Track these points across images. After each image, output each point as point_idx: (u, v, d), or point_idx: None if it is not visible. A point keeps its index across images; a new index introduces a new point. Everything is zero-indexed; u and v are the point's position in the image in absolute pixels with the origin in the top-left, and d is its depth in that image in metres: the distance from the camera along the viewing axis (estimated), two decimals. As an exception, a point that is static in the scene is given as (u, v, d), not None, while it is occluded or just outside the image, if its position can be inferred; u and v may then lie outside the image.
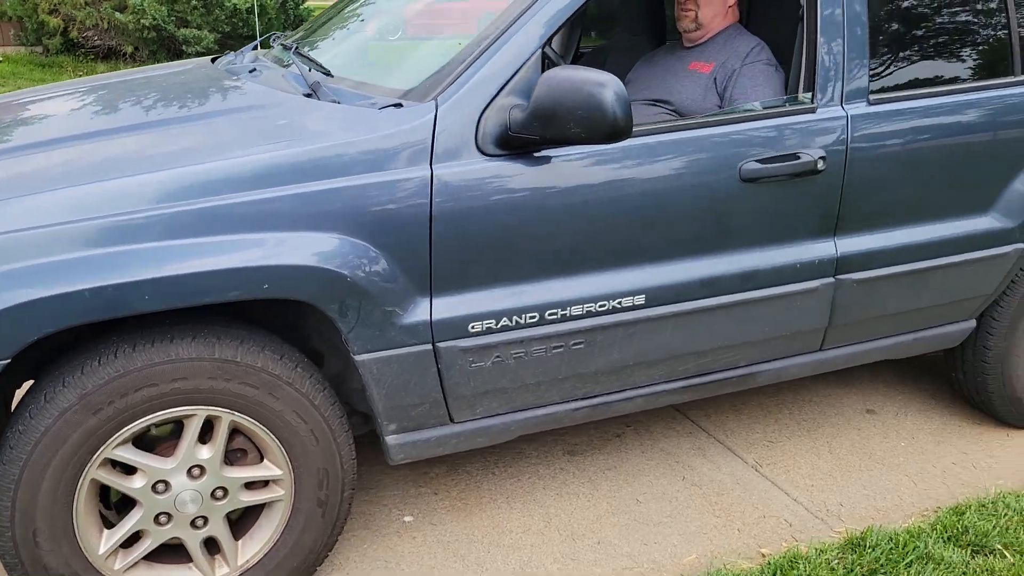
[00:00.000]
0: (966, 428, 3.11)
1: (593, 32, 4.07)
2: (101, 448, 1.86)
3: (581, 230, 2.13)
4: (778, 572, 2.31)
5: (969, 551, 2.40)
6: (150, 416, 1.88)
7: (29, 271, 1.70)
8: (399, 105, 2.04)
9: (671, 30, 3.22)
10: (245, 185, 1.85)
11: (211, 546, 2.08)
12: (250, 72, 2.48)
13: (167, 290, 1.76)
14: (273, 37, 2.94)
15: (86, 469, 1.86)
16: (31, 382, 2.03)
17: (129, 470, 1.96)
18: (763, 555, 2.45)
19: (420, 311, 2.03)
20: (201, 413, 1.93)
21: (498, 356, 2.14)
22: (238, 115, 2.15)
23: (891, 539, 2.42)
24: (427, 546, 2.46)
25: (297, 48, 2.55)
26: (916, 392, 3.34)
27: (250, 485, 2.07)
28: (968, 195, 2.59)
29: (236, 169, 1.86)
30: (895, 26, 2.49)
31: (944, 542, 2.43)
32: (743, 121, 2.30)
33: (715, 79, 2.62)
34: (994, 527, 2.47)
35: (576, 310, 2.18)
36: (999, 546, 2.40)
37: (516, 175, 2.04)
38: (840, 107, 2.38)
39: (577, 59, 3.76)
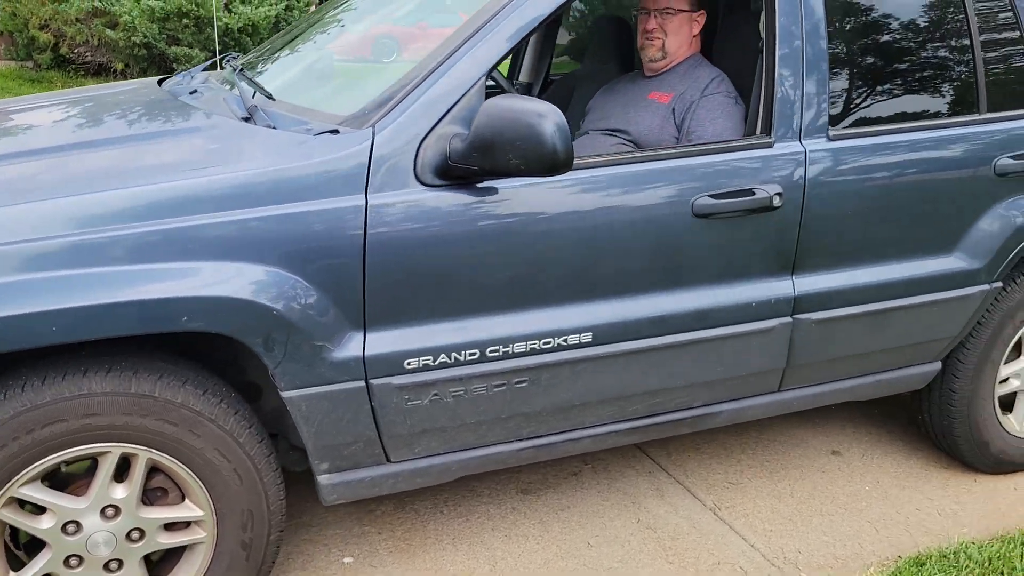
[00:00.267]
0: (933, 472, 3.02)
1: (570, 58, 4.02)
2: (5, 486, 1.76)
3: (524, 265, 2.06)
4: (727, 624, 2.22)
5: (927, 605, 2.31)
6: (60, 453, 1.79)
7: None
8: (336, 131, 1.96)
9: (639, 59, 3.17)
10: (164, 212, 1.77)
11: (128, 590, 1.98)
12: (191, 94, 2.41)
13: (74, 322, 1.67)
14: (228, 58, 2.87)
15: (-10, 508, 1.77)
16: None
17: (40, 509, 1.86)
18: (714, 605, 2.36)
19: (352, 346, 1.95)
20: (116, 450, 1.84)
21: (436, 394, 2.06)
22: (166, 138, 2.08)
23: (847, 591, 2.33)
24: (364, 590, 2.36)
25: (243, 69, 2.48)
26: (884, 433, 3.25)
27: (170, 526, 1.97)
28: (932, 234, 2.52)
29: (155, 195, 1.78)
30: (857, 61, 2.44)
31: (902, 595, 2.34)
32: (697, 155, 2.23)
33: (673, 109, 2.56)
34: (954, 579, 2.39)
35: (519, 347, 2.10)
36: (958, 600, 2.32)
37: (456, 206, 1.97)
38: (798, 142, 2.31)
39: (547, 86, 3.71)
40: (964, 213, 2.54)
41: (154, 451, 1.86)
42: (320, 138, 1.94)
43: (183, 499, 1.96)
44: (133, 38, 11.67)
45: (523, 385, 2.14)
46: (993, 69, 2.56)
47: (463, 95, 1.98)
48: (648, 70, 2.71)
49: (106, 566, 1.91)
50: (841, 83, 2.40)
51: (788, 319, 2.39)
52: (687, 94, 2.56)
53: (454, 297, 2.01)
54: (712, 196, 2.20)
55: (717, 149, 2.27)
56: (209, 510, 1.95)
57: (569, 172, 2.07)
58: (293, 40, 2.68)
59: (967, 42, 2.53)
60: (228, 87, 2.42)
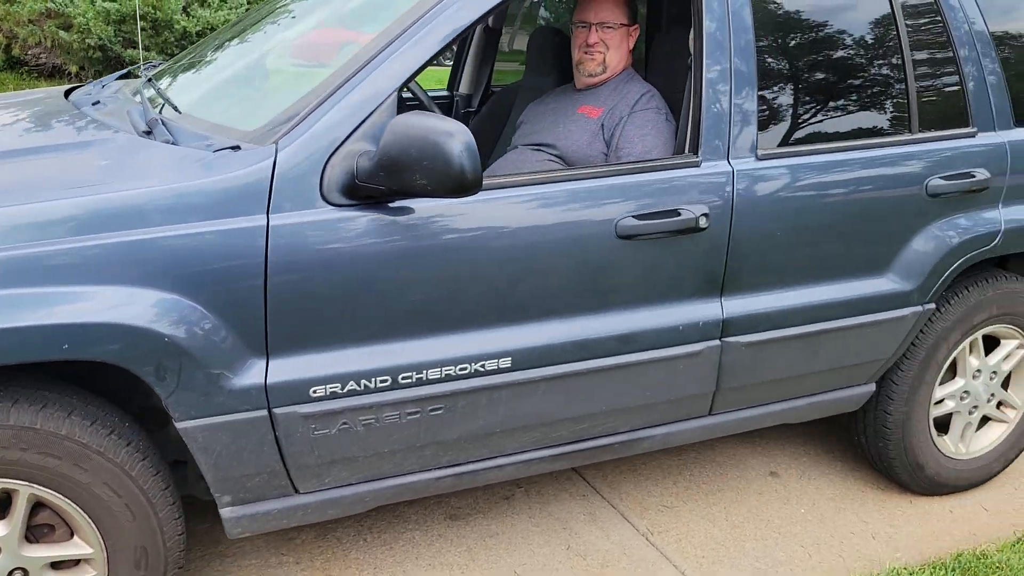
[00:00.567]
0: (869, 494, 2.98)
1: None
2: None
3: (439, 288, 1.97)
4: (650, 659, 2.15)
5: (855, 635, 2.26)
6: (-68, 490, 1.67)
7: None
8: (237, 148, 1.87)
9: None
10: (45, 232, 1.66)
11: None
12: (93, 105, 2.30)
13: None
14: (147, 66, 2.76)
15: None
16: None
17: (-88, 548, 1.74)
18: (639, 638, 2.29)
19: (253, 374, 1.85)
20: (-6, 486, 1.72)
21: (345, 423, 1.96)
22: (52, 153, 1.97)
23: (774, 622, 2.27)
24: (275, 625, 2.26)
25: (152, 79, 2.38)
26: (823, 454, 3.21)
27: (58, 565, 1.86)
28: (863, 255, 2.48)
29: (36, 214, 1.67)
30: (788, 80, 2.39)
31: (830, 625, 2.29)
32: (621, 174, 2.16)
33: (603, 125, 2.50)
34: (883, 608, 2.34)
35: (433, 373, 2.01)
36: (887, 630, 2.27)
37: (365, 227, 1.88)
38: (726, 161, 2.26)
39: (487, 98, 3.63)
40: (896, 234, 2.50)
41: (36, 486, 1.75)
42: (219, 155, 1.85)
43: (71, 536, 1.85)
44: (88, 40, 11.44)
45: (439, 413, 2.06)
46: (925, 89, 2.53)
47: (373, 111, 1.90)
48: (582, 84, 2.64)
49: (-15, 608, 1.80)
50: (771, 102, 2.35)
51: (717, 342, 2.33)
52: (617, 109, 2.50)
53: (364, 322, 1.92)
54: (636, 217, 2.13)
55: (642, 168, 2.20)
56: (99, 547, 1.84)
57: (490, 191, 2.01)
58: (215, 49, 2.57)
59: (899, 62, 2.49)
60: (136, 98, 2.31)
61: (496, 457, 2.24)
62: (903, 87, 2.50)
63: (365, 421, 1.98)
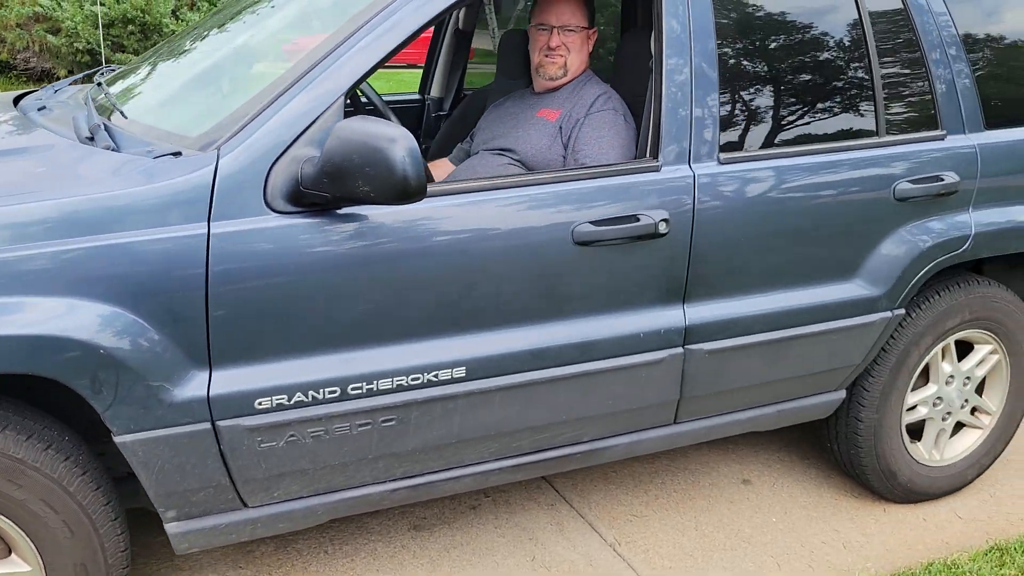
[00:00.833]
0: (842, 502, 2.94)
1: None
2: None
3: (390, 296, 1.93)
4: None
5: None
6: None
7: None
8: (178, 154, 1.82)
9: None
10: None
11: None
12: (39, 110, 2.25)
13: None
14: (105, 70, 2.71)
15: None
16: None
17: None
18: (600, 652, 2.24)
19: (195, 386, 1.80)
20: (-76, 503, 1.67)
21: (293, 435, 1.92)
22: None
23: (738, 635, 2.23)
24: (228, 641, 2.21)
25: (103, 84, 2.33)
26: (797, 460, 3.17)
27: (-6, 582, 1.81)
28: (830, 260, 2.44)
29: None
30: (751, 83, 2.35)
31: (795, 638, 2.24)
32: (578, 180, 2.12)
33: (560, 127, 2.46)
34: (850, 620, 2.30)
35: (384, 384, 1.97)
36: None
37: (310, 234, 1.84)
38: (687, 166, 2.21)
39: (458, 101, 3.59)
40: (864, 239, 2.46)
41: (-32, 503, 1.70)
42: (160, 161, 1.80)
43: (9, 553, 1.80)
44: (76, 44, 11.39)
45: (391, 424, 2.01)
46: (893, 92, 2.49)
47: (319, 115, 1.86)
48: (541, 87, 2.61)
49: (-81, 629, 1.75)
50: (734, 105, 2.31)
51: (679, 350, 2.29)
52: (574, 111, 2.46)
53: (311, 332, 1.88)
54: (593, 223, 2.09)
55: (600, 173, 2.16)
56: (37, 565, 1.80)
57: (442, 197, 1.96)
58: (171, 53, 2.52)
59: (865, 64, 2.45)
60: (85, 104, 2.26)
61: (453, 468, 2.19)
62: (870, 90, 2.46)
63: (314, 433, 1.94)
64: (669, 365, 2.29)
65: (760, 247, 2.32)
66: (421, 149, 3.34)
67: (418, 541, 2.64)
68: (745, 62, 2.34)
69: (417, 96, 3.61)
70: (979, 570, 2.56)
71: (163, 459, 1.82)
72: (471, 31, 3.50)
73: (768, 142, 2.35)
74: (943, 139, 2.54)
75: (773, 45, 2.39)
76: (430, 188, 1.96)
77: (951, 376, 2.82)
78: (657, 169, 2.19)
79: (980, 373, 2.87)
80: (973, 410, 2.93)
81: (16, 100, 2.49)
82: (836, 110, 2.45)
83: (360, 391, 1.95)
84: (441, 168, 2.78)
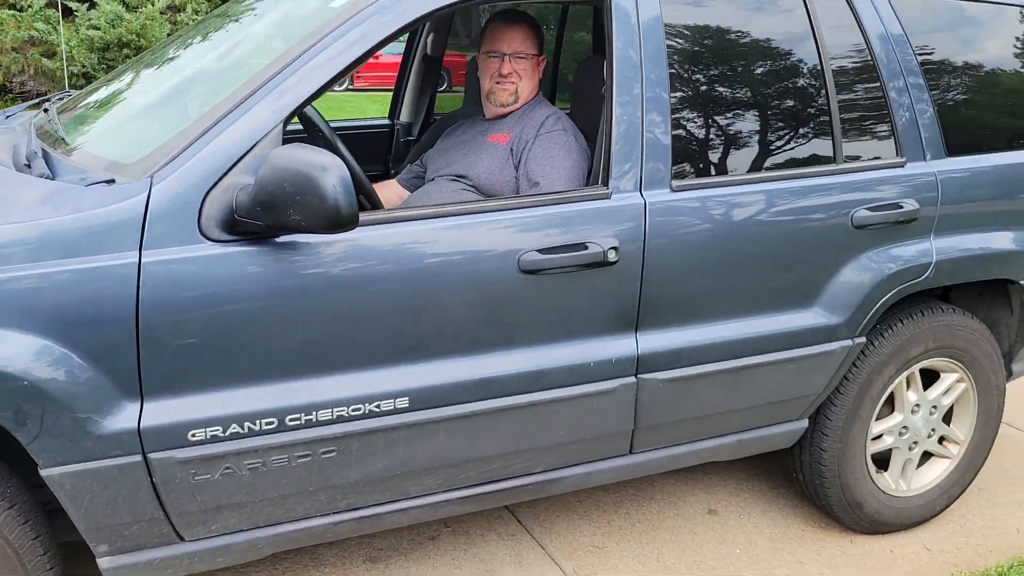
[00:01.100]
0: (809, 533, 2.89)
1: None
2: None
3: (327, 326, 1.90)
4: None
5: None
6: None
7: None
8: (111, 182, 1.80)
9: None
10: None
11: None
12: (-19, 137, 2.23)
13: None
14: (60, 95, 2.69)
15: None
16: None
17: None
18: None
19: (125, 417, 1.77)
20: None
21: (228, 467, 1.88)
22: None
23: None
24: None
25: (49, 111, 2.31)
26: (766, 489, 3.13)
27: (-82, 619, 1.76)
28: (788, 289, 2.41)
29: None
30: (705, 109, 2.33)
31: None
32: (524, 207, 2.10)
33: (511, 149, 2.46)
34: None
35: (324, 415, 1.93)
36: None
37: (245, 263, 1.81)
38: (638, 193, 2.19)
39: (427, 125, 3.58)
40: (822, 267, 2.43)
41: None
42: (92, 189, 1.78)
43: (-66, 589, 1.76)
44: (71, 67, 11.43)
45: (331, 455, 1.97)
46: (851, 119, 2.47)
47: (256, 143, 1.84)
48: (492, 114, 2.60)
49: None
50: (687, 132, 2.29)
51: (632, 379, 2.25)
52: (524, 133, 2.46)
53: (246, 362, 1.85)
54: (540, 251, 2.06)
55: (548, 201, 2.14)
56: (-38, 601, 1.75)
57: (384, 224, 1.94)
58: (121, 80, 2.50)
59: (823, 91, 2.44)
60: (28, 130, 2.24)
61: (400, 500, 2.15)
62: (827, 117, 2.44)
63: (251, 465, 1.90)
64: (622, 395, 2.25)
65: (715, 275, 2.29)
66: (390, 174, 3.34)
67: (373, 573, 2.59)
68: (699, 89, 2.33)
69: (386, 121, 3.60)
70: (943, 604, 2.51)
71: (92, 493, 1.78)
72: (440, 56, 3.49)
73: (723, 169, 2.33)
74: (903, 166, 2.52)
75: (728, 72, 2.37)
76: (371, 216, 1.94)
77: (917, 405, 2.78)
78: (607, 196, 2.17)
79: (947, 402, 2.83)
80: (941, 439, 2.89)
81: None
82: (792, 137, 2.43)
83: (298, 422, 1.91)
84: (388, 188, 2.77)
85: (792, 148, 2.43)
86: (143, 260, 1.74)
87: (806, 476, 2.79)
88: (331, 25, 1.97)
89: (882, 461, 2.83)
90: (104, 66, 11.78)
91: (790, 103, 2.43)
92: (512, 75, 2.52)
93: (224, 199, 1.80)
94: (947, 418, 2.89)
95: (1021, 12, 2.77)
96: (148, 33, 12.06)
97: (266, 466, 1.92)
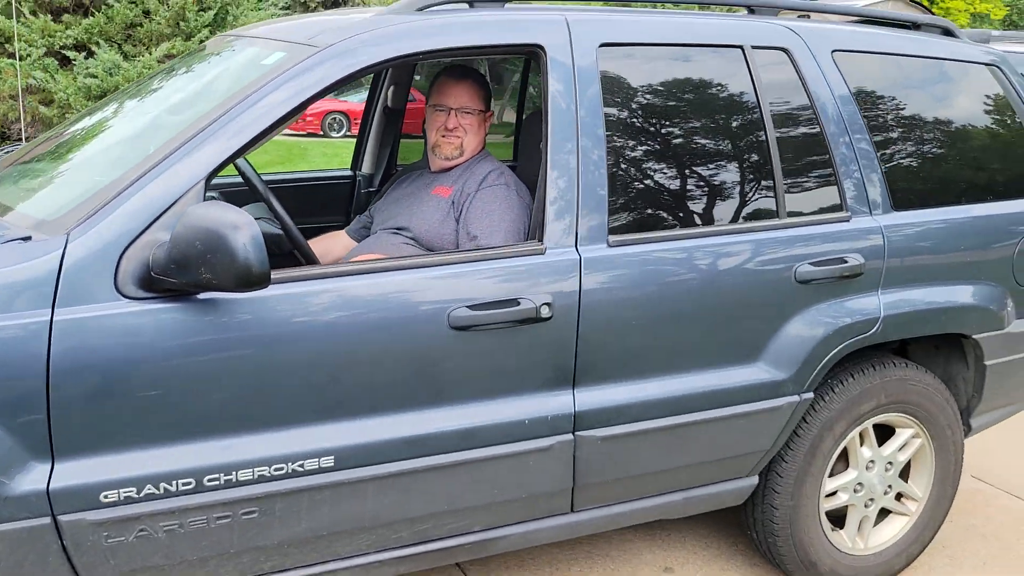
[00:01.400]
0: (765, 592, 2.83)
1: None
2: None
3: (247, 384, 1.87)
4: None
5: None
6: None
7: None
8: (28, 239, 1.79)
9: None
10: None
11: None
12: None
13: None
14: (6, 149, 2.70)
15: None
16: None
17: None
18: None
19: (34, 478, 1.73)
20: None
21: (143, 529, 1.84)
22: None
23: None
24: None
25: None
26: (725, 547, 3.07)
27: None
28: (730, 344, 2.38)
29: None
30: (644, 165, 2.33)
31: None
32: (454, 263, 2.08)
33: (453, 202, 2.46)
34: None
35: (244, 475, 1.90)
36: None
37: (162, 321, 1.79)
38: (573, 249, 2.18)
39: (388, 176, 3.58)
40: (765, 322, 2.41)
41: None
42: (7, 246, 1.77)
43: None
44: (67, 115, 11.54)
45: (253, 516, 1.93)
46: (793, 174, 2.47)
47: (177, 200, 1.83)
48: (437, 167, 2.61)
49: None
50: (626, 186, 2.29)
51: (569, 436, 2.22)
52: (466, 187, 2.48)
53: (163, 421, 1.82)
54: (470, 307, 2.04)
55: (481, 256, 2.13)
56: None
57: (305, 282, 1.93)
58: (62, 137, 2.51)
59: (764, 147, 2.43)
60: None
61: (328, 561, 2.11)
62: (769, 171, 2.44)
63: (167, 527, 1.86)
64: (559, 452, 2.21)
65: (654, 331, 2.27)
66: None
67: (312, 634, 2.52)
68: (638, 143, 2.33)
69: (348, 172, 3.60)
70: (895, 669, 2.44)
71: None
72: (401, 108, 3.51)
73: (662, 224, 2.32)
74: (848, 221, 2.51)
75: (667, 126, 2.38)
76: (291, 273, 1.93)
77: (872, 461, 2.73)
78: (542, 252, 2.15)
79: (903, 458, 2.79)
80: (899, 496, 2.84)
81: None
82: (734, 192, 2.42)
83: (217, 482, 1.88)
84: (335, 240, 2.77)
85: (733, 203, 2.42)
86: (55, 317, 1.72)
87: (759, 534, 2.74)
88: (258, 83, 1.98)
89: (838, 518, 2.78)
90: (100, 113, 11.91)
91: (731, 158, 2.42)
92: (458, 129, 2.54)
93: (141, 256, 1.79)
94: (905, 474, 2.84)
95: (966, 67, 2.79)
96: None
97: (184, 528, 1.88)
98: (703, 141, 2.41)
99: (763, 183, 2.44)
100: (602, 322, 2.20)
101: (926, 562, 2.99)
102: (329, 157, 13.25)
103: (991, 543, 3.15)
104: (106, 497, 1.79)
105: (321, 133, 17.66)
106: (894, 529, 2.85)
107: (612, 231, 2.23)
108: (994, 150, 2.84)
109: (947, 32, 2.91)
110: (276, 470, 1.92)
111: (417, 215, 2.49)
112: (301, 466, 1.94)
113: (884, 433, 2.78)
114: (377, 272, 2.00)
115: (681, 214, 2.36)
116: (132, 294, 1.79)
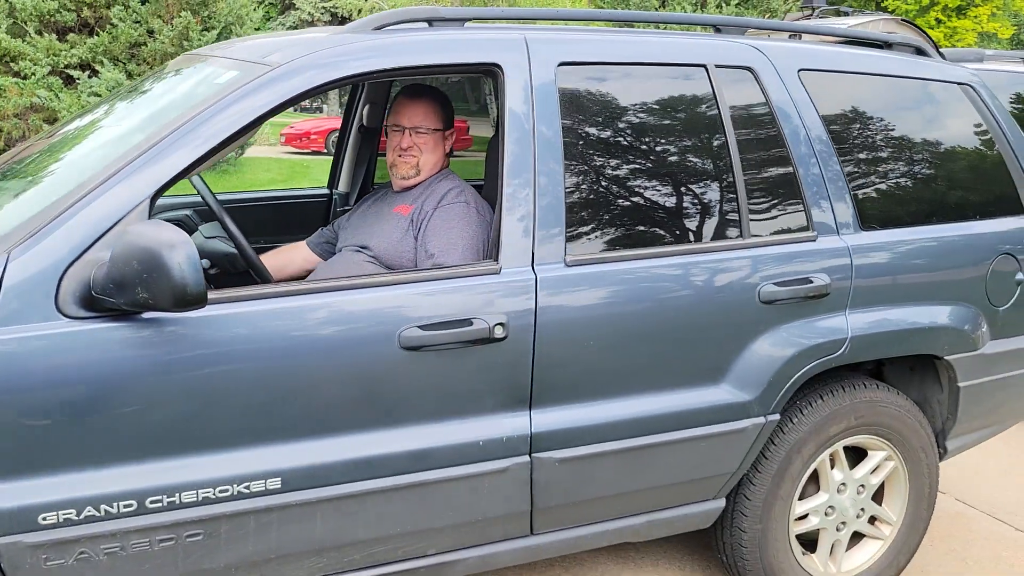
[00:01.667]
0: (736, 617, 2.78)
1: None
2: None
3: (190, 404, 1.86)
4: None
5: None
6: None
7: None
8: (-31, 259, 1.78)
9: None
10: None
11: None
12: None
13: None
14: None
15: None
16: None
17: None
18: None
19: (-31, 500, 1.72)
20: None
21: (83, 552, 1.82)
22: None
23: None
24: None
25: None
26: (699, 570, 3.02)
27: None
28: (693, 365, 2.35)
29: None
30: (605, 181, 2.31)
31: None
32: (405, 283, 2.07)
33: (412, 220, 2.45)
34: None
35: (188, 496, 1.87)
36: None
37: (102, 341, 1.78)
38: (530, 268, 2.16)
39: (364, 193, 3.58)
40: (728, 342, 2.38)
41: None
42: (-52, 267, 1.76)
43: None
44: (69, 134, 11.63)
45: (198, 539, 1.91)
46: (757, 194, 2.45)
47: (121, 218, 1.82)
48: (398, 186, 2.60)
49: None
50: (585, 205, 2.27)
51: (525, 458, 2.19)
52: (426, 205, 2.47)
53: (103, 442, 1.80)
54: (421, 327, 2.02)
55: (435, 276, 2.11)
56: None
57: (250, 301, 1.91)
58: (24, 156, 2.51)
59: (727, 166, 2.41)
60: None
61: (279, 584, 2.07)
62: (732, 190, 2.41)
63: (108, 550, 1.84)
64: (515, 474, 2.19)
65: (613, 352, 2.25)
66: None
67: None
68: (597, 162, 2.31)
69: (325, 190, 3.60)
70: None
71: (-66, 578, 1.72)
72: (377, 127, 3.50)
73: (621, 244, 2.30)
74: (814, 240, 2.48)
75: (627, 147, 2.36)
76: (236, 292, 1.92)
77: (843, 484, 2.70)
78: (497, 272, 2.13)
79: (875, 480, 2.74)
80: (872, 519, 2.79)
81: None
82: (695, 211, 2.40)
83: (160, 504, 1.85)
84: (295, 251, 2.77)
85: (695, 222, 2.40)
86: (-7, 338, 1.71)
87: (728, 557, 2.70)
88: (208, 102, 1.97)
89: (810, 542, 2.74)
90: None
91: (692, 178, 2.40)
92: (412, 148, 2.53)
93: (83, 275, 1.78)
94: (879, 497, 2.79)
95: (937, 87, 2.77)
96: (150, 99, 12.28)
97: (125, 550, 1.85)
98: (665, 161, 2.39)
99: (726, 203, 2.42)
100: (559, 343, 2.18)
101: (902, 587, 2.94)
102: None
103: (970, 567, 3.09)
104: (44, 519, 1.77)
105: (325, 151, 17.72)
106: (868, 553, 2.80)
107: (570, 250, 2.21)
108: (968, 170, 2.81)
109: (919, 51, 2.90)
110: (221, 492, 1.90)
111: (377, 234, 2.48)
112: (247, 488, 1.92)
113: (857, 455, 2.74)
114: (326, 291, 1.98)
115: (641, 234, 2.33)
116: (73, 314, 1.77)
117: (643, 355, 2.28)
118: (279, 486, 1.95)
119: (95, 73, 12.12)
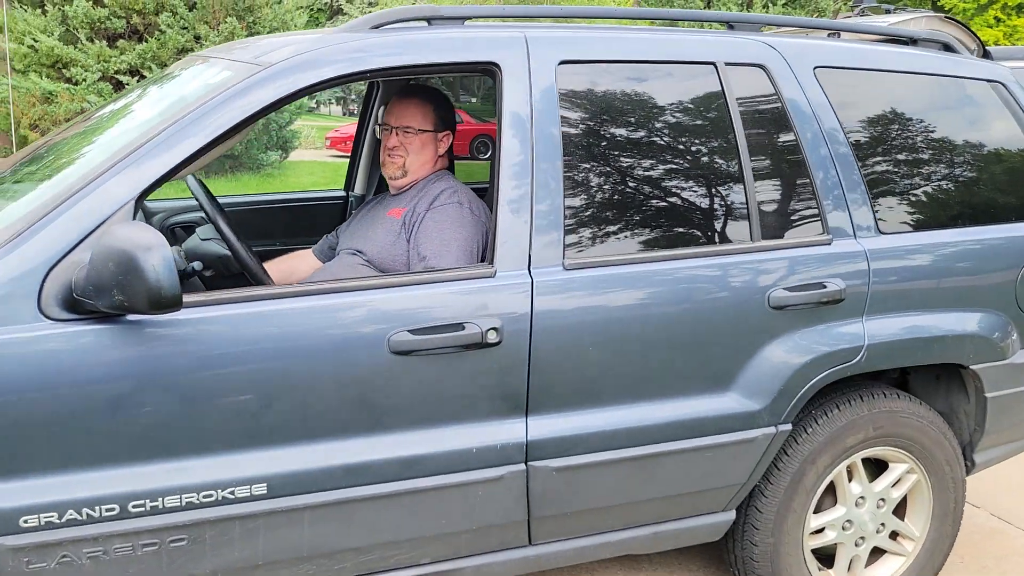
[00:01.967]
0: (750, 633, 2.68)
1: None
2: None
3: (175, 408, 1.84)
4: None
5: None
6: None
7: None
8: (-45, 261, 1.78)
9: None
10: None
11: None
12: None
13: None
14: None
15: None
16: None
17: None
18: None
19: (-49, 502, 1.72)
20: None
21: (66, 556, 1.81)
22: None
23: None
24: None
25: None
26: (714, 583, 2.93)
27: None
28: (698, 372, 2.27)
29: None
30: (606, 182, 2.25)
31: None
32: (395, 286, 2.03)
33: (404, 223, 2.41)
34: None
35: (171, 501, 1.86)
36: None
37: (85, 343, 1.77)
38: (526, 272, 2.10)
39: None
40: (737, 349, 2.30)
41: None
42: (-67, 269, 1.76)
43: None
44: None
45: (182, 544, 1.89)
46: (769, 197, 2.36)
47: (105, 220, 1.81)
48: (393, 188, 2.58)
49: None
50: (585, 207, 2.21)
51: (521, 466, 2.13)
52: (418, 207, 2.43)
53: (86, 445, 1.79)
54: (411, 332, 1.98)
55: (428, 280, 2.07)
56: None
57: (236, 304, 1.89)
58: (22, 160, 2.52)
59: (736, 168, 2.33)
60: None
61: (268, 591, 2.05)
62: (741, 193, 2.33)
63: (91, 553, 1.83)
64: (509, 483, 2.13)
65: (614, 359, 2.18)
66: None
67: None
68: (599, 162, 2.24)
69: (342, 193, 3.58)
70: None
71: (-84, 580, 1.73)
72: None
73: (622, 247, 2.23)
74: (828, 244, 2.39)
75: (630, 147, 2.29)
76: (222, 295, 1.90)
77: (861, 497, 2.59)
78: (491, 275, 2.08)
79: (896, 494, 2.63)
80: (894, 535, 2.68)
81: None
82: (700, 215, 2.32)
83: (143, 508, 1.84)
84: (301, 259, 2.74)
85: (701, 225, 2.32)
86: (-25, 340, 1.71)
87: (740, 572, 2.61)
88: (198, 103, 1.96)
89: (827, 557, 2.63)
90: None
91: (699, 179, 2.32)
92: (399, 149, 2.50)
93: (65, 278, 1.77)
94: (901, 511, 2.68)
95: (964, 84, 2.65)
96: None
97: (108, 555, 1.84)
98: (670, 162, 2.31)
99: (735, 205, 2.33)
100: (557, 349, 2.12)
101: (926, 606, 2.81)
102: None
103: (1002, 587, 2.95)
104: (26, 522, 1.76)
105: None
106: (889, 570, 2.69)
107: (569, 254, 2.14)
108: (996, 170, 2.68)
109: (947, 47, 2.77)
110: (205, 497, 1.88)
111: (371, 237, 2.46)
112: (232, 493, 1.90)
113: (878, 468, 2.63)
114: (312, 294, 1.95)
115: (644, 237, 2.26)
116: (56, 316, 1.76)
117: (645, 362, 2.21)
118: (265, 492, 1.92)
119: (143, 79, 12.36)
